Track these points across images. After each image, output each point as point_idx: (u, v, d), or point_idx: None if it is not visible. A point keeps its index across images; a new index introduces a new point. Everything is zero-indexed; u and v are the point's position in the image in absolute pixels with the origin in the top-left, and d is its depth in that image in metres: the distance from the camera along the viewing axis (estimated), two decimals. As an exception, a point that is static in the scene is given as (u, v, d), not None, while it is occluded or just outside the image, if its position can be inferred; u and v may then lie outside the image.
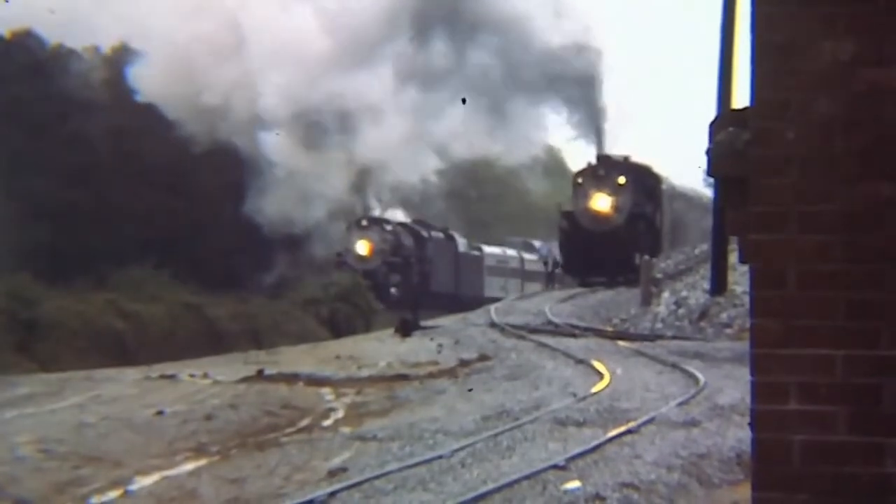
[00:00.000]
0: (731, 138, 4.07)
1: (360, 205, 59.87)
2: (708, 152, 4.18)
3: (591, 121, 52.22)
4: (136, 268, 44.41)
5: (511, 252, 71.12)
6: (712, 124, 4.22)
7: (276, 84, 53.79)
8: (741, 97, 4.27)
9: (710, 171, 4.19)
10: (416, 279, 57.79)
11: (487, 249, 67.95)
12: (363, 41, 55.27)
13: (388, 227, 58.00)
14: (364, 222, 57.24)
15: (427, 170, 60.98)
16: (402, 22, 55.84)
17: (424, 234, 60.64)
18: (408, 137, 56.93)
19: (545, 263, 72.10)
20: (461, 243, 64.27)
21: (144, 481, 15.19)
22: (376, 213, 59.50)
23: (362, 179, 59.15)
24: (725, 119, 4.18)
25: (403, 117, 56.76)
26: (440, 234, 62.36)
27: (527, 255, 71.98)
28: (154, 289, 43.23)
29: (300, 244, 54.58)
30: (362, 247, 56.22)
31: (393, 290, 56.00)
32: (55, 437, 18.38)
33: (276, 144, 54.02)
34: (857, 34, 3.90)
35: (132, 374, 27.60)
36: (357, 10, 55.08)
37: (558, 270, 56.89)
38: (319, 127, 55.14)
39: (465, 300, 57.51)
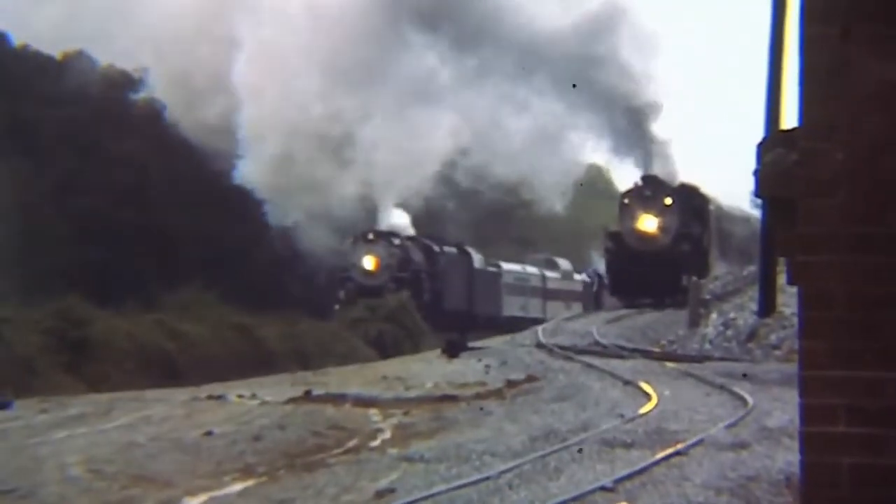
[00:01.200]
0: (779, 159, 4.05)
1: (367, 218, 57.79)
2: (756, 173, 4.16)
3: (640, 143, 51.93)
4: (184, 288, 44.69)
5: (532, 269, 68.20)
6: (760, 145, 4.20)
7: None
8: (789, 118, 4.26)
9: (758, 192, 4.18)
10: (427, 296, 55.38)
11: (506, 266, 65.17)
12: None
13: (396, 241, 55.72)
14: (370, 236, 54.93)
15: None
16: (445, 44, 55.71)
17: (436, 248, 58.15)
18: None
19: (590, 284, 71.66)
20: (476, 259, 61.60)
21: (193, 502, 15.23)
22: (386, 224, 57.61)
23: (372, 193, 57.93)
24: (773, 140, 4.17)
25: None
26: (453, 249, 59.88)
27: (549, 273, 69.26)
28: (202, 309, 43.45)
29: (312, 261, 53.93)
30: (368, 262, 54.14)
31: None
32: (105, 457, 18.47)
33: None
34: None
35: (181, 394, 27.68)
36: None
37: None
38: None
39: (481, 319, 55.87)
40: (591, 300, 68.94)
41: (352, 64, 53.82)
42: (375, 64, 54.53)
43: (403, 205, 59.09)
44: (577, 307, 68.72)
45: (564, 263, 71.22)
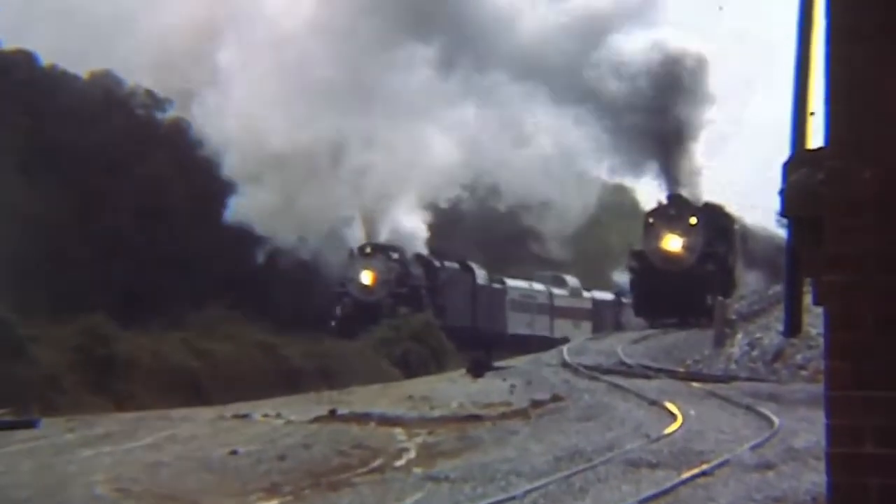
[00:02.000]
0: (805, 178, 4.04)
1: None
2: (781, 192, 4.15)
3: (667, 164, 51.69)
4: (209, 307, 44.76)
5: (538, 286, 66.09)
6: (786, 164, 4.19)
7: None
8: (815, 137, 4.25)
9: (784, 212, 4.17)
10: (426, 312, 53.37)
11: (511, 283, 63.03)
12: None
13: (395, 255, 53.42)
14: (368, 249, 53.00)
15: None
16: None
17: (436, 263, 56.16)
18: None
19: (611, 304, 71.14)
20: (480, 275, 59.45)
21: (218, 521, 15.25)
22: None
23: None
24: (799, 159, 4.16)
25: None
26: (455, 265, 57.85)
27: (557, 291, 67.21)
28: (227, 328, 43.55)
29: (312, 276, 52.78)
30: (366, 276, 52.16)
31: None
32: (131, 476, 18.51)
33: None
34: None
35: (206, 413, 27.74)
36: None
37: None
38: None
39: (485, 337, 54.17)
40: (609, 320, 68.40)
41: (346, 82, 53.23)
42: (374, 80, 53.87)
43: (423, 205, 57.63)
44: (586, 326, 67.62)
45: (573, 280, 69.79)
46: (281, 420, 25.30)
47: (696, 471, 15.95)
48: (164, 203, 47.68)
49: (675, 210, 48.61)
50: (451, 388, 31.73)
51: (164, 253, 46.06)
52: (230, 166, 52.02)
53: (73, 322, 37.52)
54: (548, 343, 59.76)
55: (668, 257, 47.90)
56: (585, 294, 70.34)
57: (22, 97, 45.12)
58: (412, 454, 20.37)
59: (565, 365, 35.88)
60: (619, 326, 59.78)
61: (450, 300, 55.60)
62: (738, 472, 16.06)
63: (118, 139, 48.05)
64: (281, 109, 52.51)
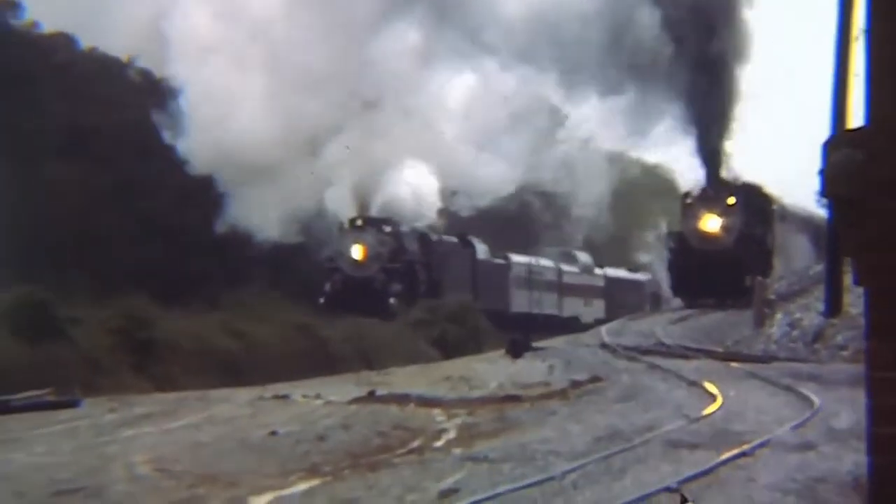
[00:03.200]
0: (845, 159, 4.03)
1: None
2: (821, 173, 4.15)
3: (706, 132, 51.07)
4: (247, 288, 44.87)
5: (546, 262, 63.10)
6: (826, 144, 4.18)
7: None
8: (856, 117, 4.24)
9: (824, 192, 4.16)
10: (422, 288, 51.34)
11: (515, 258, 60.08)
12: None
13: (388, 229, 50.78)
14: (359, 222, 50.53)
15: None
16: None
17: (433, 237, 53.50)
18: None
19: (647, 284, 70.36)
20: (480, 249, 56.65)
21: (258, 501, 15.32)
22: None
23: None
24: (840, 139, 4.15)
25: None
26: (453, 239, 55.23)
27: (566, 267, 64.47)
28: (265, 309, 43.69)
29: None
30: (356, 251, 49.68)
31: (392, 300, 49.90)
32: (171, 456, 18.65)
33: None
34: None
35: (245, 394, 27.89)
36: None
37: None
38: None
39: (486, 315, 52.26)
40: (626, 299, 66.91)
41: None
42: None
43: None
44: (598, 305, 65.75)
45: (584, 257, 67.35)
46: (320, 401, 25.42)
47: (735, 451, 15.93)
48: (201, 183, 47.88)
49: (713, 190, 48.45)
50: (490, 369, 31.79)
51: (200, 234, 46.27)
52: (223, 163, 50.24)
53: (113, 304, 37.78)
54: (557, 323, 58.89)
55: (707, 237, 47.76)
56: (598, 271, 68.02)
57: (61, 80, 45.32)
58: (451, 435, 20.42)
59: (604, 346, 35.89)
60: (655, 308, 58.97)
61: (447, 276, 53.09)
62: (778, 453, 16.03)
63: (152, 122, 48.31)
64: (265, 97, 50.78)
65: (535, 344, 37.33)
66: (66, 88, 44.87)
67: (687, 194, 50.19)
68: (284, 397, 26.27)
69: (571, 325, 58.36)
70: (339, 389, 27.71)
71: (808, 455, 15.83)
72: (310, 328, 43.80)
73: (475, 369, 32.15)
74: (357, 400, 25.19)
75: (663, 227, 61.70)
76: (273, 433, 20.51)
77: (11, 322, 33.81)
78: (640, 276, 72.93)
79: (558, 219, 71.80)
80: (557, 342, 40.08)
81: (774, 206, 51.65)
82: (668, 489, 13.56)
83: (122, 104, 47.55)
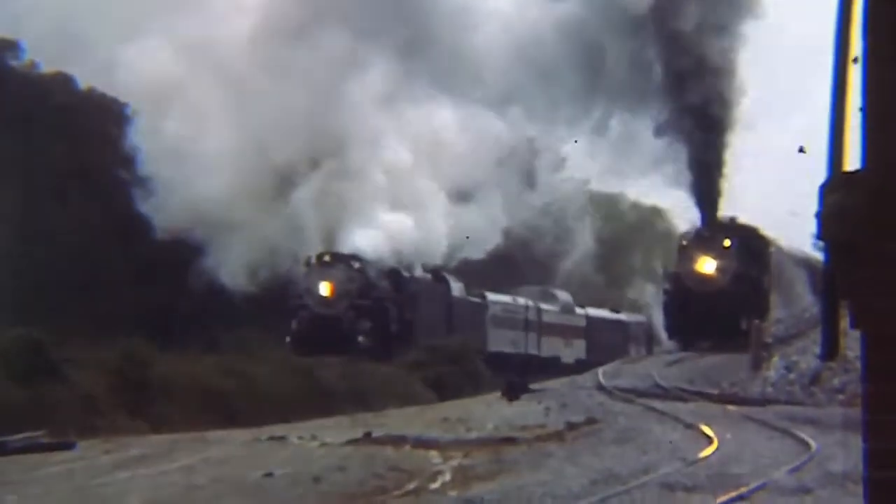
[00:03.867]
0: (842, 201, 4.02)
1: None
2: (818, 215, 4.13)
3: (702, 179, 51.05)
4: (243, 329, 44.75)
5: (524, 301, 61.39)
6: (823, 186, 4.17)
7: None
8: (853, 159, 4.23)
9: (821, 235, 4.14)
10: (393, 327, 49.21)
11: (492, 296, 58.29)
12: None
13: (356, 265, 48.58)
14: (327, 258, 48.36)
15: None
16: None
17: (405, 273, 51.33)
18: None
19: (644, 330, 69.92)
20: (455, 287, 54.70)
21: (253, 543, 15.26)
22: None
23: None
24: (837, 181, 4.14)
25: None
26: (427, 276, 53.29)
27: (546, 306, 62.91)
28: (261, 350, 43.60)
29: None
30: (324, 287, 47.56)
31: (361, 338, 47.73)
32: (166, 498, 18.57)
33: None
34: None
35: (241, 435, 27.81)
36: None
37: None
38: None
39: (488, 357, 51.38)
40: (609, 340, 65.84)
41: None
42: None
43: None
44: (579, 345, 64.59)
45: (564, 296, 66.04)
46: (316, 442, 25.34)
47: (732, 494, 15.87)
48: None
49: (709, 232, 48.50)
50: (487, 411, 31.71)
51: (198, 275, 46.22)
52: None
53: (110, 344, 37.72)
54: (536, 362, 57.84)
55: (702, 279, 47.77)
56: (579, 310, 66.75)
57: (59, 121, 45.43)
58: (447, 477, 20.35)
59: (601, 388, 35.82)
60: (648, 352, 58.08)
61: (420, 314, 50.96)
62: (775, 497, 15.98)
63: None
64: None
65: (531, 386, 37.28)
66: (65, 128, 44.92)
67: (683, 236, 50.26)
68: (280, 438, 26.18)
69: (551, 366, 57.57)
70: (336, 431, 27.64)
71: (805, 499, 15.79)
72: (305, 369, 43.69)
73: (472, 411, 32.06)
74: (353, 441, 25.10)
75: (659, 269, 61.43)
76: (269, 475, 20.42)
77: (7, 363, 33.73)
78: (622, 317, 71.79)
79: (549, 260, 71.51)
80: (555, 384, 39.99)
81: (770, 249, 51.68)
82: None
83: (119, 143, 47.65)
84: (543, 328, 61.98)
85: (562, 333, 63.28)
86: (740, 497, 15.75)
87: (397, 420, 30.48)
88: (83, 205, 43.85)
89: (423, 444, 24.53)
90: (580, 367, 56.10)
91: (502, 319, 58.58)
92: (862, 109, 3.94)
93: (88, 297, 41.75)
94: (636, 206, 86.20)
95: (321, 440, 25.56)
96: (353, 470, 21.07)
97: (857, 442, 4.38)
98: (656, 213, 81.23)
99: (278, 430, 28.48)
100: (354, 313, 47.60)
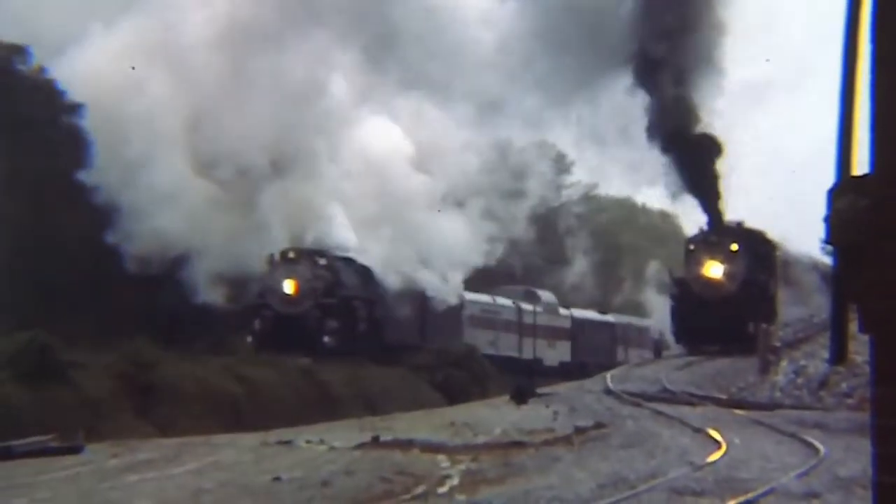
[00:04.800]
0: (850, 206, 4.04)
1: None
2: (826, 220, 4.15)
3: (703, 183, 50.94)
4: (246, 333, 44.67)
5: (504, 301, 59.49)
6: (831, 191, 4.19)
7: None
8: (861, 164, 4.25)
9: (829, 240, 4.16)
10: (361, 326, 47.34)
11: (469, 296, 56.00)
12: None
13: (323, 262, 46.51)
14: (291, 254, 46.06)
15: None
16: None
17: (376, 272, 49.34)
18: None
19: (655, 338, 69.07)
20: (431, 286, 52.80)
21: (261, 547, 15.29)
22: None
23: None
24: (845, 186, 4.16)
25: None
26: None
27: (527, 307, 60.96)
28: (267, 354, 43.62)
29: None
30: (288, 285, 45.42)
31: (327, 338, 45.71)
32: (174, 503, 18.59)
33: None
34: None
35: (249, 439, 27.84)
36: None
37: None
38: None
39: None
40: (597, 342, 64.54)
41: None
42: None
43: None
44: (563, 347, 62.99)
45: (547, 296, 64.34)
46: (324, 446, 25.36)
47: (741, 499, 15.87)
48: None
49: (717, 237, 48.47)
50: (494, 415, 31.71)
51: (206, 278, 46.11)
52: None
53: (116, 348, 37.78)
54: (518, 365, 56.18)
55: (709, 284, 47.73)
56: (563, 311, 65.07)
57: (67, 125, 45.38)
58: (455, 481, 20.35)
59: (609, 392, 35.80)
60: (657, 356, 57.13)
61: (392, 314, 49.15)
62: (783, 501, 15.97)
63: None
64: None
65: (539, 390, 37.27)
66: (72, 133, 44.91)
67: (690, 240, 50.21)
68: (288, 443, 26.21)
69: (533, 368, 56.47)
70: (343, 435, 27.66)
71: None
72: (312, 373, 43.65)
73: (479, 415, 32.08)
74: (361, 446, 25.13)
75: (666, 274, 61.16)
76: (277, 479, 20.45)
77: (14, 367, 33.80)
78: (610, 318, 70.06)
79: (549, 266, 70.90)
80: (563, 388, 39.99)
81: (777, 253, 51.63)
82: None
83: None
84: (525, 329, 60.20)
85: (545, 335, 61.52)
86: (748, 502, 15.75)
87: (404, 424, 30.50)
88: (89, 206, 43.81)
89: (431, 448, 24.55)
90: (564, 370, 55.39)
91: (480, 320, 56.77)
92: (870, 115, 3.96)
93: (93, 300, 41.77)
94: (645, 211, 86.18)
95: (329, 444, 25.59)
96: (362, 474, 21.09)
97: (865, 446, 4.40)
98: (665, 217, 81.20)
99: (286, 434, 28.51)
100: (320, 312, 45.55)
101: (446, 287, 52.84)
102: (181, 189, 45.91)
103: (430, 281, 52.12)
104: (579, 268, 73.86)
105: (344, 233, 49.19)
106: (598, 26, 49.11)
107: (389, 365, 47.74)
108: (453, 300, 53.57)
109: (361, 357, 46.22)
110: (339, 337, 45.64)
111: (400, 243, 50.48)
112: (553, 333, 62.91)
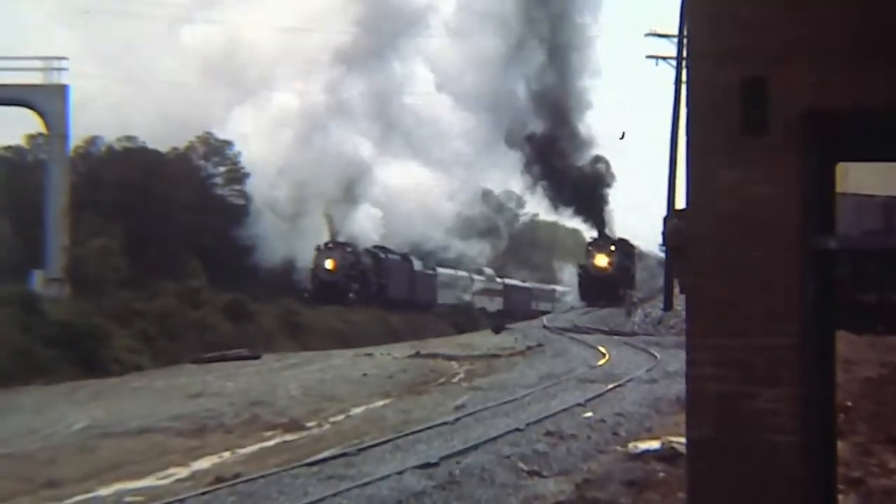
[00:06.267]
0: (675, 226, 4.06)
1: None
2: (663, 233, 4.18)
3: (595, 212, 49.88)
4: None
5: (462, 273, 54.32)
6: (665, 218, 4.21)
7: None
8: (680, 201, 4.26)
9: (664, 243, 4.19)
10: (373, 288, 44.36)
11: (441, 270, 51.73)
12: None
13: (349, 249, 43.93)
14: (330, 245, 43.55)
15: None
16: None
17: (382, 255, 45.84)
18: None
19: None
20: (417, 264, 48.60)
21: (356, 410, 15.28)
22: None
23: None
24: (672, 215, 4.18)
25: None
26: (397, 256, 47.10)
27: (476, 277, 55.62)
28: (359, 307, 42.90)
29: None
30: (328, 263, 42.84)
31: (351, 295, 42.96)
32: (309, 385, 18.60)
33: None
34: (744, 165, 3.87)
35: (349, 353, 27.75)
36: None
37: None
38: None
39: (421, 304, 47.25)
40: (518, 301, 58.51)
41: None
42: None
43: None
44: (497, 300, 57.33)
45: (489, 271, 59.20)
46: (390, 356, 25.27)
47: (615, 384, 15.85)
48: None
49: (603, 241, 48.34)
50: (483, 340, 31.55)
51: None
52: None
53: (277, 303, 37.48)
54: (472, 311, 52.11)
55: (599, 268, 47.48)
56: (498, 280, 60.19)
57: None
58: (461, 375, 20.30)
59: (545, 327, 35.57)
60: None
61: (392, 281, 45.84)
62: (638, 384, 15.93)
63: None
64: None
65: (508, 326, 36.90)
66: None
67: (588, 244, 49.95)
68: (370, 355, 26.11)
69: (479, 314, 52.53)
70: (400, 351, 27.56)
71: (654, 385, 15.74)
72: (384, 317, 43.30)
73: (475, 340, 31.92)
74: (410, 356, 25.04)
75: (575, 264, 59.91)
76: (364, 375, 20.41)
77: (226, 312, 33.76)
78: (527, 284, 63.95)
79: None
80: (521, 325, 39.63)
81: (636, 251, 51.30)
82: (578, 404, 13.51)
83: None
84: (475, 290, 56.87)
85: (487, 294, 57.50)
86: (619, 385, 15.71)
87: (434, 345, 30.35)
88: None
89: (448, 357, 24.42)
90: (499, 314, 52.00)
91: (447, 283, 52.15)
92: (686, 174, 3.98)
93: (250, 279, 39.55)
94: (565, 229, 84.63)
95: (392, 356, 25.51)
96: (411, 371, 21.05)
97: (682, 355, 4.41)
98: (576, 232, 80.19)
99: (369, 350, 28.44)
100: (347, 280, 43.24)
101: (425, 263, 50.94)
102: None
103: (415, 260, 49.19)
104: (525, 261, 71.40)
105: (366, 231, 47.75)
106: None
107: (420, 313, 45.71)
108: (430, 272, 51.56)
109: (379, 307, 44.22)
110: (358, 294, 43.71)
111: (400, 236, 49.11)
112: (492, 293, 59.13)
